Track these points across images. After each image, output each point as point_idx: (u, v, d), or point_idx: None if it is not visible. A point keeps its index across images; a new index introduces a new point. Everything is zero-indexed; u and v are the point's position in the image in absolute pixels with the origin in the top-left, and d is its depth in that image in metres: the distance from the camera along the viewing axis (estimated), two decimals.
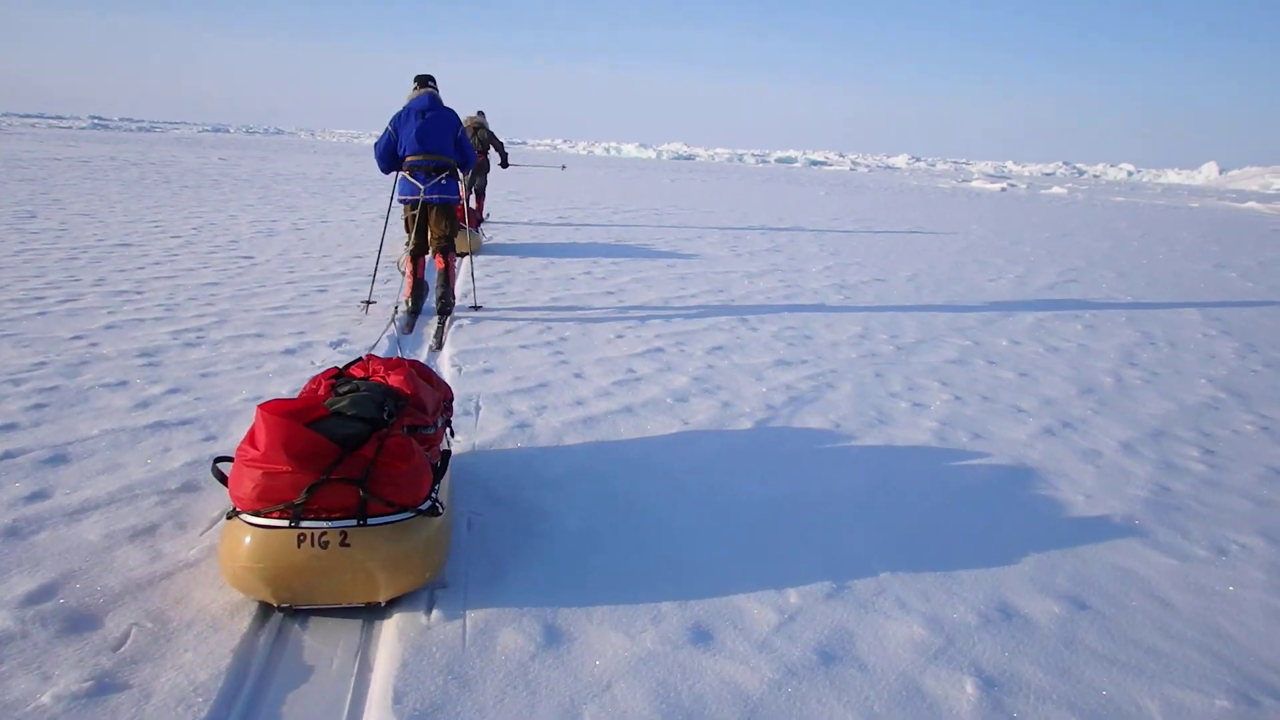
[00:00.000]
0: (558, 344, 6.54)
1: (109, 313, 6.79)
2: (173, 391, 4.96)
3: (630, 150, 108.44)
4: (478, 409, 4.96)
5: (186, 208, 14.95)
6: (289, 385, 5.20)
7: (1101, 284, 11.27)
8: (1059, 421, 5.25)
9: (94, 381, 5.05)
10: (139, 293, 7.60)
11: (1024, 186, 51.26)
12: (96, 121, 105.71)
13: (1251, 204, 39.87)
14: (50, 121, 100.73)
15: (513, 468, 4.15)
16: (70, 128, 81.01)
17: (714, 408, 5.19)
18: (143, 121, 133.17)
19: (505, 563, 3.24)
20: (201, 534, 3.34)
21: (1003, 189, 46.91)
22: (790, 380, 5.87)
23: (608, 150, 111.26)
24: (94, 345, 5.85)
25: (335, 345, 6.18)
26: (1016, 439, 4.89)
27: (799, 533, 3.59)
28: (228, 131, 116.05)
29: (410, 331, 6.98)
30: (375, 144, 7.08)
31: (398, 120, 7.00)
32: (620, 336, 6.88)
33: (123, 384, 5.04)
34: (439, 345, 6.58)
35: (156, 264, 9.08)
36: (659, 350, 6.50)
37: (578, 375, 5.73)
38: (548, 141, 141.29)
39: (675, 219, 17.79)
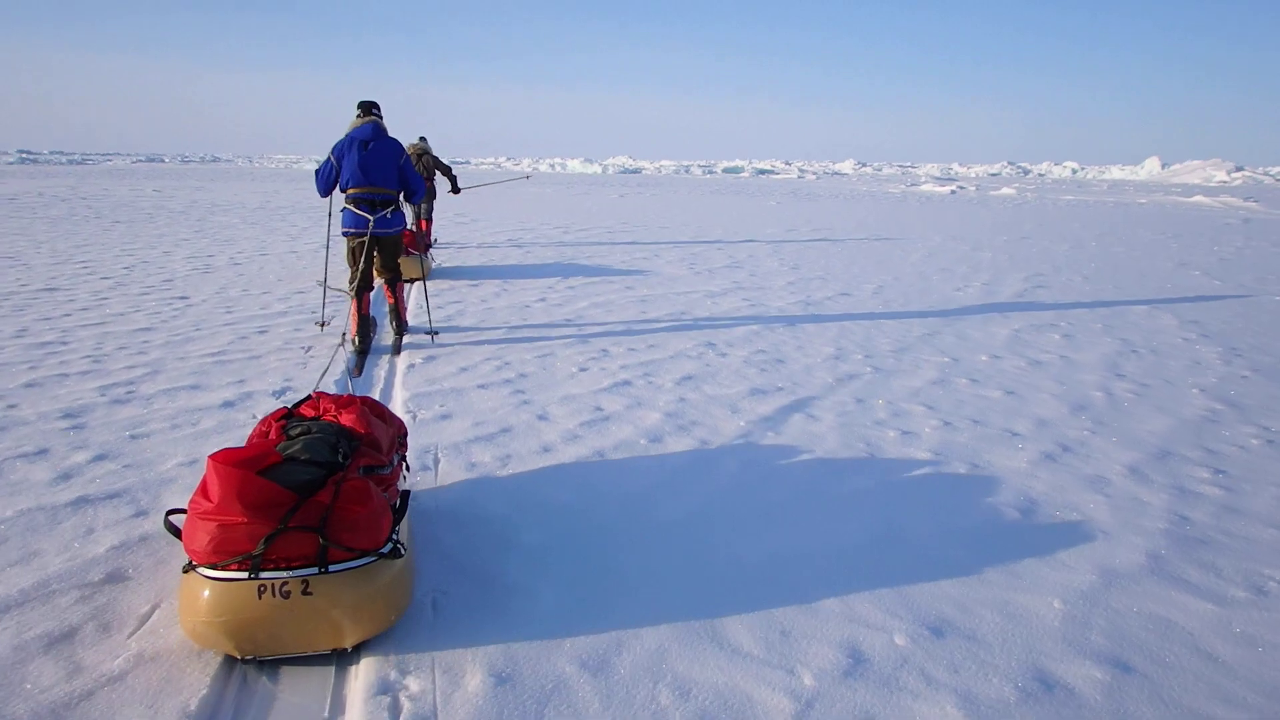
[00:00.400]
0: (517, 381, 6.13)
1: (30, 368, 6.24)
2: (99, 459, 4.47)
3: (576, 165, 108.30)
4: (436, 461, 4.54)
5: (118, 245, 14.28)
6: (228, 443, 4.73)
7: (1070, 289, 11.12)
8: (1057, 445, 4.96)
9: (9, 451, 4.55)
10: (64, 343, 7.05)
11: (973, 189, 51.78)
12: (25, 156, 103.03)
13: (1198, 198, 40.54)
14: None
15: (478, 531, 3.74)
16: None
17: (691, 447, 4.82)
18: (74, 154, 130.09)
19: (475, 647, 2.85)
20: (129, 637, 2.90)
21: (952, 192, 47.33)
22: (768, 411, 5.52)
23: (553, 166, 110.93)
24: (11, 407, 5.32)
25: (278, 394, 5.71)
26: (1016, 468, 4.58)
27: (804, 597, 3.22)
28: (163, 161, 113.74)
29: (360, 374, 6.53)
30: (317, 171, 6.83)
31: (339, 149, 6.71)
32: (583, 370, 6.49)
33: (42, 453, 4.54)
34: (397, 351, 7.00)
35: (84, 309, 8.50)
36: (626, 384, 6.12)
37: (542, 417, 5.33)
38: (491, 160, 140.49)
39: (628, 236, 17.45)
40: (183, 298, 9.31)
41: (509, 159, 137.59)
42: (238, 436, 4.83)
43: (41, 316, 8.10)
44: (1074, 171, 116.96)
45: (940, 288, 11.04)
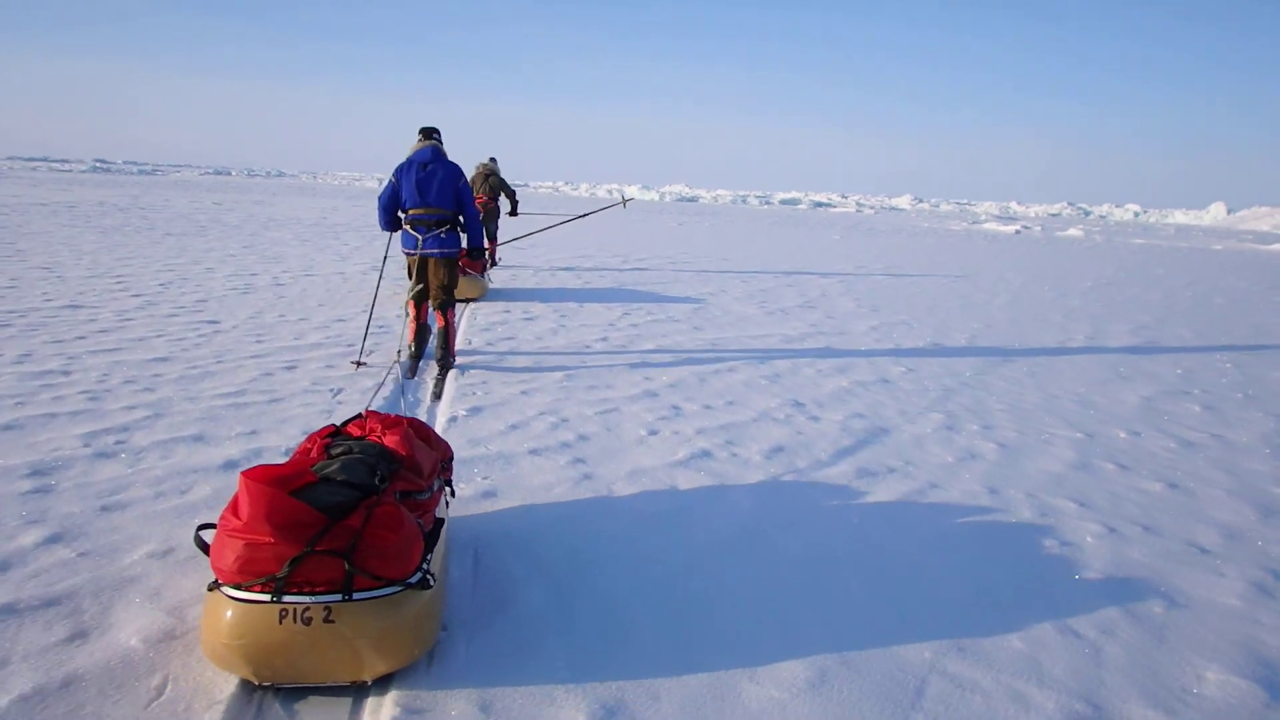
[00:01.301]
0: (577, 446, 5.17)
1: (16, 404, 5.43)
2: (52, 540, 3.58)
3: (633, 192, 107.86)
4: (476, 561, 3.59)
5: (162, 259, 13.68)
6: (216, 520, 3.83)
7: (1184, 346, 9.93)
8: (1264, 570, 3.86)
9: None
10: (66, 373, 6.26)
11: (1038, 229, 50.11)
12: (99, 165, 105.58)
13: (1278, 246, 38.64)
14: (54, 165, 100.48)
15: (529, 677, 2.77)
16: (71, 171, 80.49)
17: (798, 553, 3.81)
18: (145, 165, 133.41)
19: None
20: None
21: (1016, 231, 45.75)
22: (886, 500, 4.50)
23: (609, 192, 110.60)
24: None
25: (290, 454, 4.82)
26: (1227, 605, 3.49)
27: None
28: (230, 174, 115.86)
29: (414, 376, 6.91)
30: (379, 195, 7.09)
31: (400, 172, 6.98)
32: (653, 433, 5.51)
33: None
34: (438, 395, 6.46)
35: (102, 332, 7.74)
36: (705, 455, 5.13)
37: (607, 498, 4.36)
38: (549, 184, 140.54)
39: (691, 267, 16.49)
40: (212, 322, 8.52)
41: (567, 183, 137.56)
42: None
43: (53, 339, 7.34)
44: (1136, 215, 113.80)
45: (1039, 338, 9.91)
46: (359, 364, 7.01)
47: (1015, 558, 3.85)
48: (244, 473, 2.66)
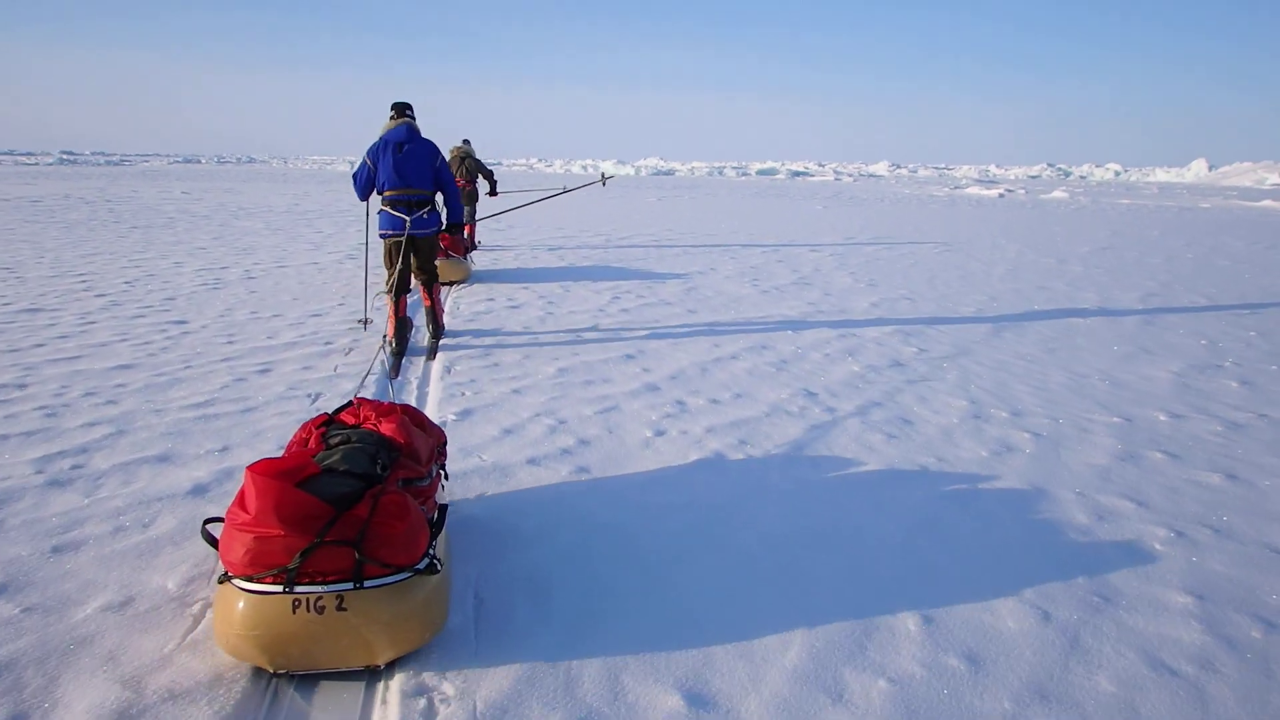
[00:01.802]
0: (578, 452, 4.73)
1: None
2: None
3: (608, 167, 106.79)
4: (479, 604, 3.15)
5: (128, 254, 13.09)
6: (181, 564, 3.39)
7: (1201, 312, 9.58)
8: None
9: None
10: (21, 386, 5.78)
11: (1021, 192, 49.79)
12: (65, 157, 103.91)
13: (1267, 202, 38.47)
14: (19, 158, 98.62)
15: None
16: (36, 164, 78.84)
17: (838, 572, 3.40)
18: (113, 156, 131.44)
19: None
20: None
21: (1000, 195, 45.46)
22: (918, 502, 4.10)
23: (585, 168, 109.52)
24: None
25: None
26: None
27: None
28: (199, 162, 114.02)
29: (396, 376, 6.47)
30: (354, 175, 6.89)
31: (374, 152, 6.74)
32: (660, 433, 5.08)
33: None
34: (432, 356, 6.82)
35: (63, 338, 7.23)
36: (720, 457, 4.71)
37: (620, 521, 3.91)
38: (523, 161, 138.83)
39: (677, 246, 16.00)
40: (180, 322, 8.02)
41: (541, 160, 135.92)
42: (198, 552, 3.48)
43: (9, 348, 6.84)
44: (1117, 174, 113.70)
45: (1048, 310, 9.53)
46: (365, 322, 7.64)
47: (1082, 575, 3.43)
48: (250, 467, 2.68)
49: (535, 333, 7.91)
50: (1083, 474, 4.54)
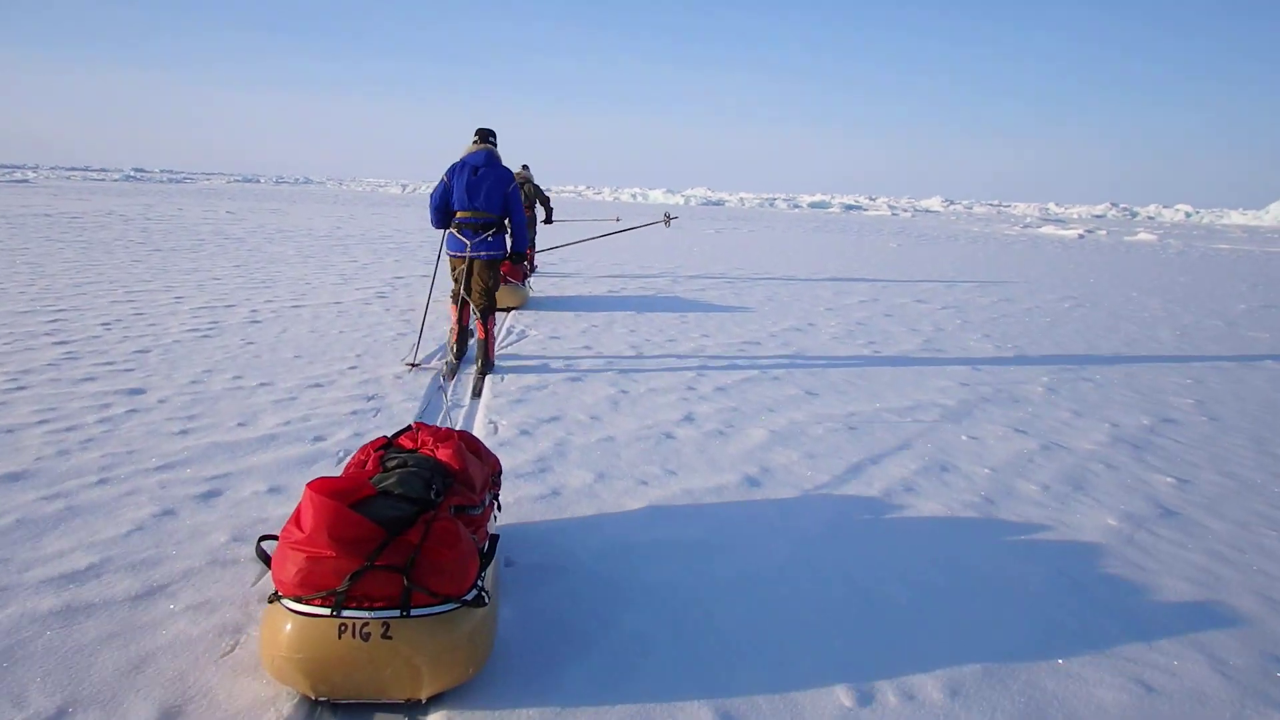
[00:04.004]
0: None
1: None
2: None
3: (657, 196, 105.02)
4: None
5: (128, 284, 11.32)
6: None
7: None
8: None
9: None
10: None
11: (1103, 233, 46.81)
12: (134, 174, 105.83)
13: None
14: (90, 175, 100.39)
15: None
16: (104, 180, 79.54)
17: None
18: (179, 173, 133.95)
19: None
20: None
21: (1080, 236, 42.59)
22: None
23: (634, 197, 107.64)
24: None
25: None
26: None
27: None
28: (258, 182, 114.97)
29: (453, 378, 6.89)
30: (431, 193, 7.01)
31: (452, 172, 6.92)
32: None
33: None
34: (477, 394, 6.53)
35: None
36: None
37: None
38: (571, 188, 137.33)
39: (756, 290, 13.78)
40: (135, 392, 6.06)
41: (589, 187, 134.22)
42: None
43: None
44: (1188, 215, 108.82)
45: (1272, 399, 7.23)
46: (413, 366, 7.14)
47: None
48: (309, 484, 2.62)
49: (598, 400, 5.86)
50: None
